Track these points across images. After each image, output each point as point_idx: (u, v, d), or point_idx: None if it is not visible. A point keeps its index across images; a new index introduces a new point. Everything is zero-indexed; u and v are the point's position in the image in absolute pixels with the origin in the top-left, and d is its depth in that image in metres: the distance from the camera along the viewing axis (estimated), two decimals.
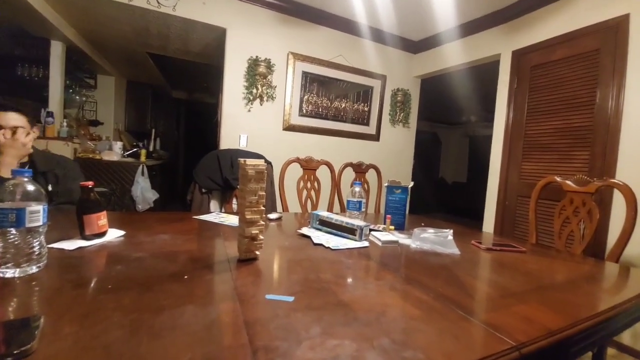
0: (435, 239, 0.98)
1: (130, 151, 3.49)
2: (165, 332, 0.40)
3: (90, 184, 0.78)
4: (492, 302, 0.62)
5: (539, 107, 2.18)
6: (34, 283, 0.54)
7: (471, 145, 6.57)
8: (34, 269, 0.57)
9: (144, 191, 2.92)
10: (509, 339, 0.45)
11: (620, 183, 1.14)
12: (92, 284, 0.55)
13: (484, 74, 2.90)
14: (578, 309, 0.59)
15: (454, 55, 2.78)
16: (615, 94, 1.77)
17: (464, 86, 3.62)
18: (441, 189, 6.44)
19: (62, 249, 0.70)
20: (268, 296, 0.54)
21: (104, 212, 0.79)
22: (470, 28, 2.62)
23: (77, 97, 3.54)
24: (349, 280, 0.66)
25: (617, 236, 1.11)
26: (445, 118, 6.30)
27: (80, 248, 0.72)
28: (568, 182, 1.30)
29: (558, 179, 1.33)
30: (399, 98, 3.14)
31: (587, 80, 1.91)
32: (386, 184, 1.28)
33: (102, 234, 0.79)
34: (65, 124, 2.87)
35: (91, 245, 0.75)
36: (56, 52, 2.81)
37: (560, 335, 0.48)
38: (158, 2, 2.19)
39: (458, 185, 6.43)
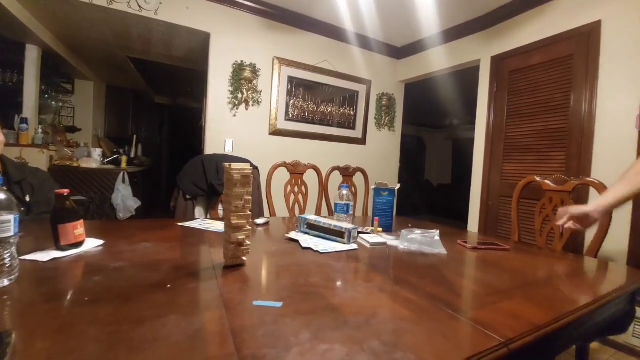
0: (422, 240, 0.99)
1: (111, 158, 3.38)
2: (145, 344, 0.38)
3: (65, 191, 0.74)
4: (479, 300, 0.63)
5: (518, 111, 2.25)
6: (5, 297, 0.50)
7: (454, 148, 6.73)
8: (5, 282, 0.54)
9: (125, 199, 2.83)
10: (497, 336, 0.45)
11: (596, 181, 1.19)
12: (67, 297, 0.52)
13: (465, 78, 2.99)
14: (562, 304, 0.61)
15: (437, 61, 2.86)
16: (589, 98, 1.86)
17: (446, 91, 3.71)
18: (427, 191, 6.55)
19: (36, 261, 0.67)
20: (256, 302, 0.52)
21: (81, 221, 0.75)
22: (452, 34, 2.70)
23: (54, 103, 3.40)
24: (338, 283, 0.65)
25: (594, 233, 1.16)
26: (430, 122, 6.43)
27: (55, 259, 0.69)
28: (547, 181, 1.35)
29: (538, 178, 1.38)
30: (384, 102, 3.19)
31: (562, 84, 2.00)
32: (373, 187, 1.29)
33: (79, 244, 0.75)
34: (40, 130, 2.75)
35: (67, 256, 0.71)
36: (31, 57, 2.70)
37: (546, 330, 0.49)
38: (139, 6, 2.14)
39: (443, 187, 6.55)
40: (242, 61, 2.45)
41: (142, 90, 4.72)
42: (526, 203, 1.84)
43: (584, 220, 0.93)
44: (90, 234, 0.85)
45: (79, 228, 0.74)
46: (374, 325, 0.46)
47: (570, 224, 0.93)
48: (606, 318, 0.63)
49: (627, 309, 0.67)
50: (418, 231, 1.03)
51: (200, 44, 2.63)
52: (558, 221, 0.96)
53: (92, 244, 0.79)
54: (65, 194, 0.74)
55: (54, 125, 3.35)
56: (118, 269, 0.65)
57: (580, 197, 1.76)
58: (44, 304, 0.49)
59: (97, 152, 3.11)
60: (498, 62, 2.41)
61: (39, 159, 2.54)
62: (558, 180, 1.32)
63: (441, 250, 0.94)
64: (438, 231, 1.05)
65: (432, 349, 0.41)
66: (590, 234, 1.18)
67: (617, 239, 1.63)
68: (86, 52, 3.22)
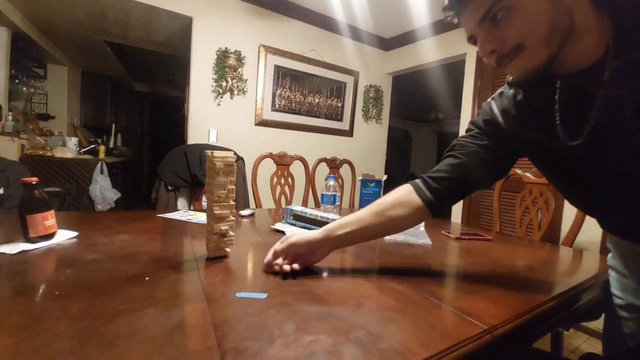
0: (408, 231, 0.99)
1: (87, 148, 3.23)
2: (119, 340, 0.36)
3: (34, 180, 0.69)
4: (463, 288, 0.64)
5: None
6: None
7: (440, 141, 6.84)
8: None
9: (103, 190, 2.72)
10: (480, 323, 0.45)
11: None
12: (36, 291, 0.49)
13: (452, 72, 3.02)
14: (541, 291, 0.62)
15: (424, 54, 2.86)
16: None
17: (433, 84, 3.74)
18: None
19: (3, 253, 0.62)
20: (239, 294, 0.51)
21: (52, 212, 0.71)
22: (439, 27, 2.70)
23: (25, 89, 3.20)
24: (324, 274, 0.65)
25: (570, 223, 1.20)
26: (416, 116, 6.50)
27: (23, 252, 0.64)
28: (527, 174, 1.38)
29: (518, 171, 1.41)
30: (371, 94, 3.18)
31: None
32: (360, 178, 1.28)
33: (50, 236, 0.71)
34: (10, 117, 2.59)
35: (37, 249, 0.67)
36: (1, 39, 2.52)
37: (527, 316, 0.50)
38: None
39: None
40: (226, 48, 2.37)
41: (121, 77, 4.50)
42: (507, 195, 1.90)
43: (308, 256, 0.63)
44: (63, 225, 0.80)
45: (49, 219, 0.70)
46: (359, 315, 0.46)
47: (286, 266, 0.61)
48: (581, 305, 0.65)
49: (601, 297, 0.70)
50: None
51: (182, 29, 2.53)
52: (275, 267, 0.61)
53: (64, 236, 0.75)
54: (34, 182, 0.69)
55: (25, 112, 3.16)
56: (92, 261, 0.62)
57: None
58: (10, 298, 0.46)
59: (72, 142, 2.96)
60: None
61: (9, 148, 2.40)
62: (538, 173, 1.35)
63: (426, 240, 0.95)
64: (423, 222, 1.06)
65: (418, 337, 0.41)
66: (567, 225, 1.23)
67: (590, 230, 1.70)
68: (59, 35, 3.03)
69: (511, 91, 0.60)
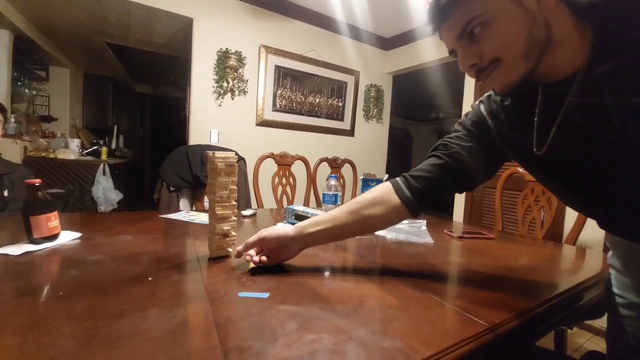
0: (409, 230, 0.99)
1: (90, 149, 3.24)
2: (123, 340, 0.36)
3: (37, 181, 0.70)
4: (465, 287, 0.64)
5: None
6: None
7: None
8: None
9: (106, 192, 2.73)
10: (483, 322, 0.45)
11: None
12: (40, 292, 0.49)
13: (452, 71, 3.01)
14: (543, 290, 0.62)
15: (424, 53, 2.85)
16: None
17: (433, 83, 3.73)
18: None
19: (7, 255, 0.63)
20: (241, 294, 0.51)
21: (55, 213, 0.72)
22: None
23: (27, 91, 3.21)
24: (326, 273, 0.65)
25: (573, 221, 1.20)
26: (416, 115, 6.49)
27: (27, 253, 0.65)
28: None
29: (520, 170, 1.40)
30: (372, 94, 3.17)
31: None
32: (361, 177, 1.28)
33: (54, 237, 0.72)
34: (13, 119, 2.61)
35: (40, 250, 0.67)
36: (2, 41, 2.53)
37: (529, 315, 0.50)
38: None
39: None
40: (227, 48, 2.37)
41: (122, 79, 4.52)
42: (509, 194, 1.89)
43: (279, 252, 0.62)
44: (67, 226, 0.81)
45: (52, 220, 0.71)
46: (361, 314, 0.46)
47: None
48: (585, 303, 0.65)
49: (604, 295, 0.69)
50: (405, 221, 1.04)
51: (182, 30, 2.53)
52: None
53: (68, 237, 0.76)
54: (37, 184, 0.70)
55: (27, 115, 3.18)
56: (95, 262, 0.62)
57: None
58: (14, 299, 0.46)
59: (75, 143, 2.97)
60: None
61: (12, 150, 2.41)
62: None
63: (428, 239, 0.95)
64: (425, 221, 1.06)
65: (420, 336, 0.41)
66: (569, 223, 1.22)
67: (593, 228, 1.70)
68: (61, 37, 3.05)
69: (498, 97, 0.60)
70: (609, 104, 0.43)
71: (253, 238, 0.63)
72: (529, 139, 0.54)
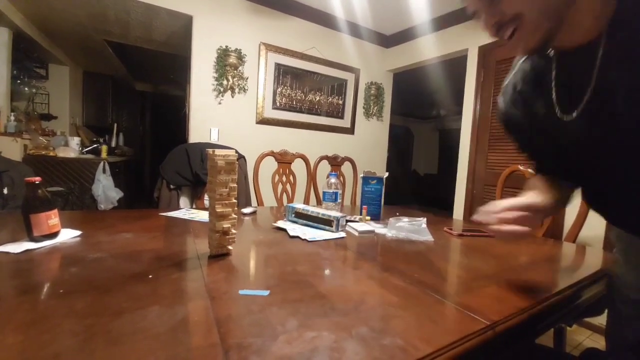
0: (410, 228, 0.99)
1: (90, 147, 3.24)
2: (124, 337, 0.36)
3: (37, 179, 0.70)
4: (465, 284, 0.64)
5: None
6: None
7: (441, 138, 6.82)
8: None
9: (106, 190, 2.73)
10: (483, 319, 0.45)
11: None
12: (40, 289, 0.49)
13: (453, 68, 3.00)
14: (543, 287, 0.62)
15: (425, 50, 2.85)
16: None
17: (434, 81, 3.72)
18: (414, 180, 6.65)
19: (7, 252, 0.63)
20: (242, 291, 0.51)
21: (55, 211, 0.72)
22: (440, 23, 2.69)
23: (26, 89, 3.21)
24: (327, 271, 0.65)
25: (573, 219, 1.20)
26: (417, 112, 6.47)
27: (27, 251, 0.65)
28: (530, 170, 1.37)
29: (521, 167, 1.40)
30: (372, 91, 3.17)
31: None
32: (362, 175, 1.28)
33: (54, 235, 0.72)
34: (12, 118, 2.60)
35: (41, 248, 0.67)
36: (2, 40, 2.53)
37: (529, 312, 0.50)
38: None
39: (429, 177, 6.66)
40: (227, 46, 2.37)
41: (122, 77, 4.51)
42: (510, 191, 1.89)
43: (531, 219, 0.53)
44: (67, 224, 0.81)
45: (53, 218, 0.71)
46: (362, 312, 0.46)
47: (510, 227, 0.51)
48: (584, 301, 0.65)
49: (604, 293, 0.69)
50: (405, 219, 1.04)
51: (182, 28, 2.53)
52: (489, 220, 0.54)
53: (68, 235, 0.76)
54: (37, 182, 0.70)
55: (27, 113, 3.17)
56: (96, 260, 0.62)
57: None
58: (15, 296, 0.46)
59: (75, 141, 2.97)
60: (485, 52, 2.42)
61: (12, 148, 2.41)
62: None
63: (428, 237, 0.95)
64: (425, 219, 1.06)
65: (420, 333, 0.41)
66: (569, 221, 1.22)
67: (594, 225, 1.70)
68: (60, 35, 3.04)
69: (524, 63, 0.59)
70: (615, 80, 0.43)
71: (522, 203, 0.53)
72: (542, 108, 0.54)
